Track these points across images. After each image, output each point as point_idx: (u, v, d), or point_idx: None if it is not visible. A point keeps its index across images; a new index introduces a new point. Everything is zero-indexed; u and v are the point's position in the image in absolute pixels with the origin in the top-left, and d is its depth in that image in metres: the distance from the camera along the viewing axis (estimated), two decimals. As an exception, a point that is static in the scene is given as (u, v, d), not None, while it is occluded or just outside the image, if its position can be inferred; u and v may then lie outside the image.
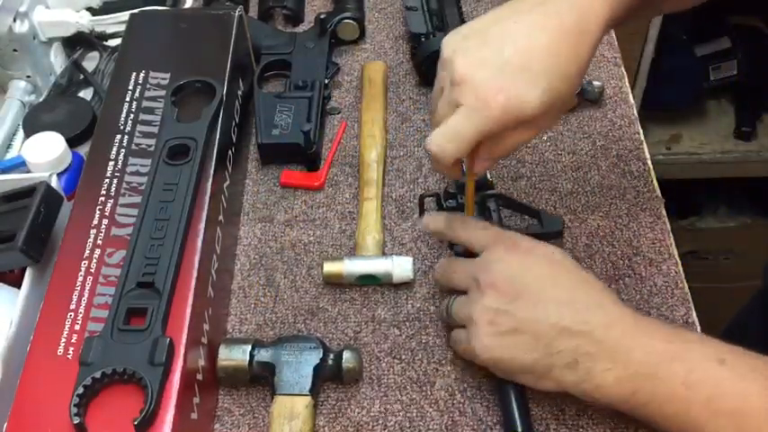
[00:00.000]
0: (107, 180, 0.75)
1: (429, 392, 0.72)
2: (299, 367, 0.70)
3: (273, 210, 0.87)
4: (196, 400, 0.66)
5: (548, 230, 0.79)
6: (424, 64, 0.95)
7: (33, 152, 0.83)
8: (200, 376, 0.67)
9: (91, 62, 1.04)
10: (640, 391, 0.60)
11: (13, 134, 0.96)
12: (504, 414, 0.68)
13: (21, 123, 0.94)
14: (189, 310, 0.66)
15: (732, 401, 0.57)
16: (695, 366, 0.59)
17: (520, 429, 0.66)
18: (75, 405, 0.60)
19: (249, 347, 0.71)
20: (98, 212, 0.72)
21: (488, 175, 0.85)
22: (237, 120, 0.87)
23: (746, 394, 0.57)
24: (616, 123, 0.93)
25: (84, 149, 0.85)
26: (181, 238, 0.69)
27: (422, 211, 0.82)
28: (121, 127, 0.79)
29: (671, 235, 0.82)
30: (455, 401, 0.71)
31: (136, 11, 0.93)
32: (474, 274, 0.67)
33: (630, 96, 0.97)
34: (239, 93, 0.89)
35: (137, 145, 0.78)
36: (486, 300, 0.65)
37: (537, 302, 0.64)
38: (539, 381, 0.65)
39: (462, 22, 1.01)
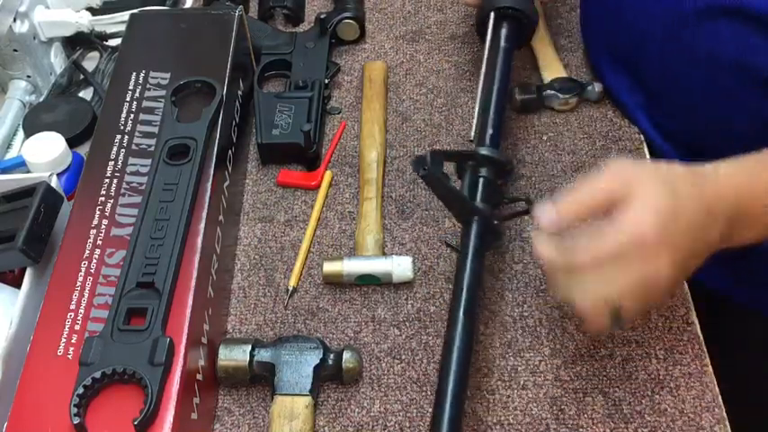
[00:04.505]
0: (107, 180, 0.75)
1: (429, 392, 0.72)
2: (299, 367, 0.70)
3: (273, 210, 0.87)
4: (196, 400, 0.66)
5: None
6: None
7: (33, 152, 0.83)
8: (200, 376, 0.67)
9: (91, 62, 1.04)
10: None
11: (13, 134, 0.96)
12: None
13: (21, 123, 0.95)
14: (189, 310, 0.66)
15: None
16: None
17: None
18: (75, 405, 0.60)
19: (249, 347, 0.71)
20: (98, 212, 0.72)
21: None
22: (237, 120, 0.87)
23: None
24: (616, 123, 0.93)
25: (84, 149, 0.85)
26: (181, 238, 0.69)
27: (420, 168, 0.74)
28: (121, 127, 0.79)
29: (671, 235, 0.82)
30: (455, 401, 0.71)
31: (136, 11, 0.93)
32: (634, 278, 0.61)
33: (630, 96, 0.97)
34: (239, 93, 0.89)
35: (137, 145, 0.78)
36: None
37: (686, 244, 0.61)
38: None
39: None
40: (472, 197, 0.73)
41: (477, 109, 0.81)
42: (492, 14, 0.87)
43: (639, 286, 0.60)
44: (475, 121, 0.80)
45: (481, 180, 0.74)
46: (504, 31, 0.86)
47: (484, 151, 0.74)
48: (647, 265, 0.59)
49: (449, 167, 0.75)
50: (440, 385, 0.64)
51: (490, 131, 0.78)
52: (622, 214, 0.59)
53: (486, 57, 0.85)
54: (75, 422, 0.59)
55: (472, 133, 0.79)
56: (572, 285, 0.62)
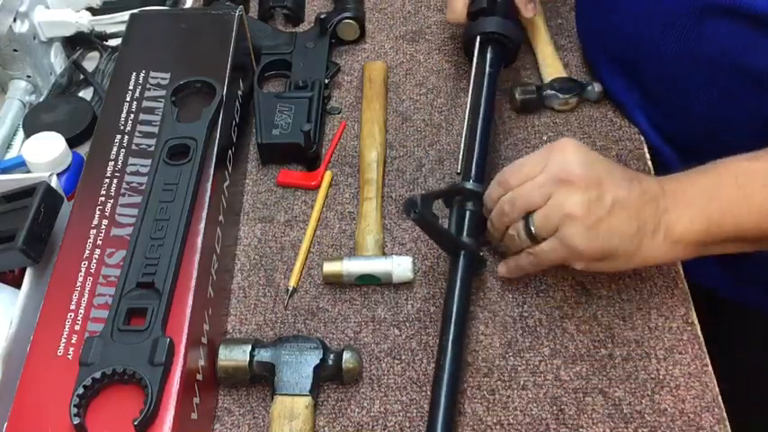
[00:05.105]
0: (107, 180, 0.75)
1: (429, 392, 0.72)
2: (298, 367, 0.70)
3: (273, 210, 0.87)
4: (196, 400, 0.66)
5: None
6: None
7: (33, 152, 0.83)
8: (200, 376, 0.67)
9: (91, 62, 1.05)
10: (711, 210, 0.67)
11: (13, 134, 0.96)
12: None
13: (21, 123, 0.95)
14: (189, 310, 0.66)
15: None
16: (737, 172, 0.68)
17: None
18: (75, 405, 0.60)
19: (249, 347, 0.71)
20: (98, 212, 0.73)
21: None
22: (237, 120, 0.87)
23: None
24: (616, 123, 0.93)
25: (84, 149, 0.86)
26: (181, 238, 0.69)
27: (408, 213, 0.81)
28: (121, 127, 0.79)
29: (671, 235, 0.82)
30: (455, 401, 0.71)
31: (136, 11, 0.93)
32: (551, 178, 0.68)
33: (630, 96, 0.97)
34: (239, 93, 0.89)
35: (137, 145, 0.78)
36: (575, 196, 0.66)
37: (615, 182, 0.67)
38: (629, 261, 0.69)
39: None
40: (459, 230, 0.77)
41: (462, 142, 0.83)
42: (478, 38, 0.89)
43: (550, 179, 0.68)
44: (461, 154, 0.83)
45: (468, 213, 0.78)
46: (489, 56, 0.89)
47: (469, 186, 0.79)
48: (556, 155, 0.68)
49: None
50: (431, 409, 0.67)
51: (475, 165, 0.81)
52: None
53: (472, 83, 0.87)
54: (75, 422, 0.59)
55: (458, 167, 0.83)
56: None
